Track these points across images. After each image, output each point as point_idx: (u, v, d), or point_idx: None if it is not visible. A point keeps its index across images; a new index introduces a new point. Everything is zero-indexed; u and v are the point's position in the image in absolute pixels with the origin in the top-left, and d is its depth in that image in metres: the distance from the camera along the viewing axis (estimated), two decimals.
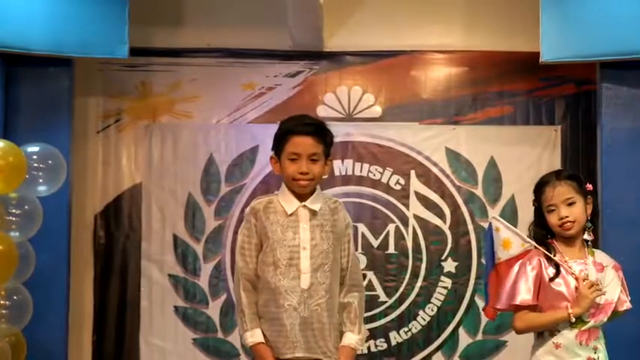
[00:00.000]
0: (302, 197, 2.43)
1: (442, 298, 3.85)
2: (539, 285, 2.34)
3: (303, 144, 2.39)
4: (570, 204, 2.33)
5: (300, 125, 2.42)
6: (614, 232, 3.37)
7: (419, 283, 3.84)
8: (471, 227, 3.86)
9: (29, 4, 3.37)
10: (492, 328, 3.81)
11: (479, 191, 3.88)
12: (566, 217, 2.32)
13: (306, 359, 2.36)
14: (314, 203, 2.43)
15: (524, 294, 2.31)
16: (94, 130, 3.89)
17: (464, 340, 3.83)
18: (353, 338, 2.41)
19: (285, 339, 2.36)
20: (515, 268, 2.37)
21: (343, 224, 2.48)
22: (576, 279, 2.29)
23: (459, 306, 3.83)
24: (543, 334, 2.34)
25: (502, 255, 2.41)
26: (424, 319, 3.84)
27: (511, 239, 2.40)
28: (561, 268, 2.31)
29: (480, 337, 3.83)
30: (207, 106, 3.91)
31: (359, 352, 2.49)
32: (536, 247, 2.35)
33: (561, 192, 2.33)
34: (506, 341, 3.77)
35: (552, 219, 2.34)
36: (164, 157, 3.88)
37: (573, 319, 2.27)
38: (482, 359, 3.81)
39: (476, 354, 3.82)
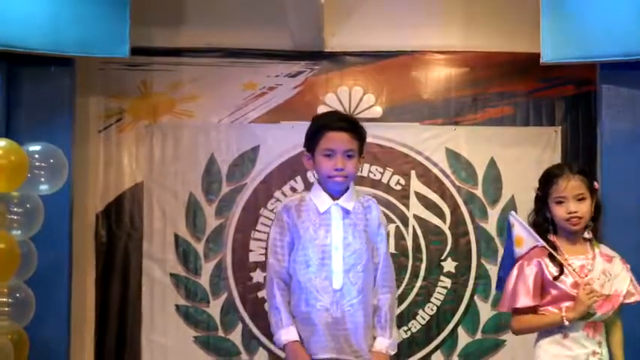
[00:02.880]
0: (335, 195, 2.40)
1: (442, 297, 3.87)
2: (541, 285, 2.33)
3: (339, 139, 2.35)
4: (580, 199, 2.33)
5: (335, 121, 2.40)
6: (614, 230, 3.35)
7: (419, 283, 3.86)
8: (470, 227, 3.88)
9: (30, 4, 3.37)
10: (491, 328, 3.84)
11: (479, 192, 3.90)
12: (575, 212, 2.32)
13: None
14: (347, 201, 2.40)
15: (524, 297, 2.31)
16: (96, 130, 3.90)
17: (463, 339, 3.85)
18: (384, 343, 2.38)
19: (318, 338, 2.34)
20: (515, 270, 2.36)
21: (376, 223, 2.44)
22: (576, 283, 2.28)
23: (458, 306, 3.85)
24: None
25: (518, 251, 2.38)
26: (424, 319, 3.86)
27: (524, 237, 2.37)
28: (565, 268, 2.31)
29: (479, 336, 3.85)
30: (208, 106, 3.92)
31: None
32: (543, 246, 2.33)
33: (574, 186, 2.33)
34: (505, 340, 3.80)
35: (560, 211, 2.34)
36: (165, 157, 3.90)
37: (567, 323, 2.27)
38: (481, 358, 3.83)
39: (475, 353, 3.84)
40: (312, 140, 2.40)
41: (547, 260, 2.33)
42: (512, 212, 2.46)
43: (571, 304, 2.29)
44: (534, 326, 2.35)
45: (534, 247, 2.35)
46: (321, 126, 2.39)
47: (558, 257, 2.32)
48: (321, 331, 2.33)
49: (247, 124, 3.91)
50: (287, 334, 2.34)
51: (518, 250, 2.38)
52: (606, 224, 3.41)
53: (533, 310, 2.33)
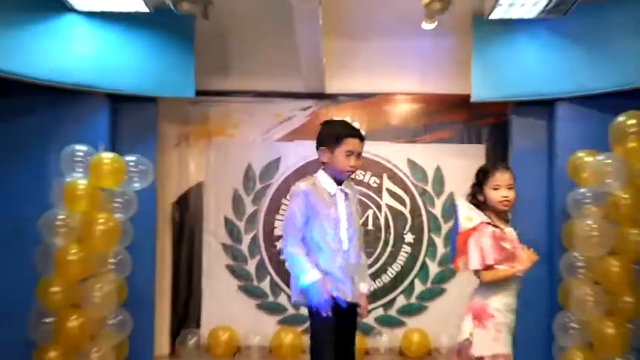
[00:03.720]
0: (339, 182, 2.29)
1: (404, 259, 3.91)
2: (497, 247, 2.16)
3: (357, 145, 2.26)
4: (510, 188, 2.21)
5: (355, 130, 2.28)
6: (519, 216, 3.42)
7: (388, 249, 3.90)
8: (423, 212, 3.92)
9: (127, 61, 3.36)
10: (437, 280, 3.87)
11: (429, 188, 3.93)
12: (507, 196, 2.20)
13: (349, 303, 2.26)
14: (347, 187, 2.32)
15: (492, 257, 2.15)
16: (172, 145, 3.92)
17: (418, 287, 3.90)
18: (365, 287, 2.34)
19: (337, 283, 2.22)
20: (475, 238, 2.17)
21: (357, 205, 2.38)
22: (514, 246, 2.18)
23: (414, 265, 3.91)
24: None
25: (466, 225, 2.19)
26: (392, 274, 3.91)
27: (472, 215, 2.21)
28: (505, 235, 2.20)
29: (429, 285, 3.90)
30: (246, 130, 3.93)
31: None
32: (487, 222, 2.19)
33: (507, 177, 2.21)
34: (446, 289, 3.84)
35: (496, 195, 2.19)
36: (218, 164, 3.91)
37: (520, 274, 2.17)
38: (431, 300, 3.88)
39: (426, 296, 3.89)
40: (335, 140, 2.24)
41: (495, 230, 2.18)
42: (459, 197, 2.28)
43: (518, 261, 2.16)
44: (501, 277, 2.16)
45: (481, 222, 2.20)
46: (346, 134, 2.26)
47: (501, 228, 2.20)
48: (340, 281, 2.23)
49: (273, 142, 3.92)
50: (314, 275, 2.17)
51: (467, 224, 2.19)
52: (515, 213, 3.47)
53: (490, 267, 2.16)
